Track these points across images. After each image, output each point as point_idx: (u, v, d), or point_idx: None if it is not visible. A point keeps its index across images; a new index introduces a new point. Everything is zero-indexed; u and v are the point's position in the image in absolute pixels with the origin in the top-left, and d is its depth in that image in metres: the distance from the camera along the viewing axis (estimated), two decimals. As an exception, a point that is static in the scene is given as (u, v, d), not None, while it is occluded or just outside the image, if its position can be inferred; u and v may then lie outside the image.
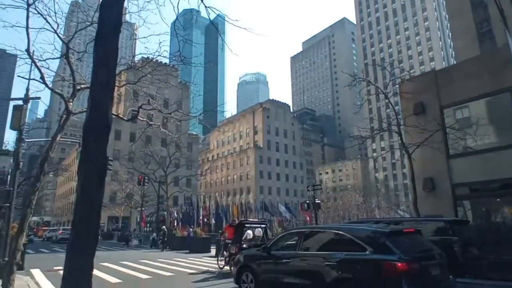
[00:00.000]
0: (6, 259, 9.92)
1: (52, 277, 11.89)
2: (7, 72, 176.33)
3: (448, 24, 73.34)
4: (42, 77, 10.71)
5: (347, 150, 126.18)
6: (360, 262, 6.28)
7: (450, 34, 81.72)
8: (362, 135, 20.27)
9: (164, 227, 29.44)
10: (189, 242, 26.02)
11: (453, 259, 8.13)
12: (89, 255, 4.07)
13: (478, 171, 12.77)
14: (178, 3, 7.34)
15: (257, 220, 22.18)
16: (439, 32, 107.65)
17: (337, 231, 7.37)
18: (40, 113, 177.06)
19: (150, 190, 40.19)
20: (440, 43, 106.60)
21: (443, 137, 13.64)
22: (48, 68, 12.27)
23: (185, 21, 10.82)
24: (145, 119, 13.69)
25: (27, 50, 10.37)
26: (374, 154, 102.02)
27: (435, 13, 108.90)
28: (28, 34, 10.20)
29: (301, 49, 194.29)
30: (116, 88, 5.70)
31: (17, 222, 11.34)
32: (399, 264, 5.76)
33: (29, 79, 12.00)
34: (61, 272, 4.24)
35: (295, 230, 9.58)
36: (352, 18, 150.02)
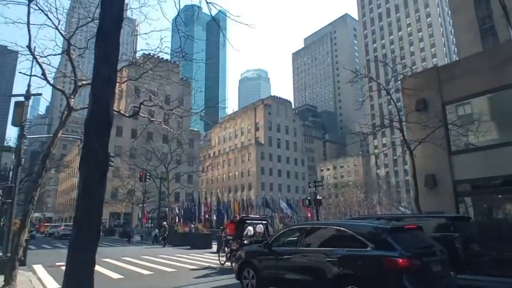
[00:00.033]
0: (9, 254, 9.98)
1: (54, 273, 11.94)
2: (8, 68, 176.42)
3: (451, 20, 73.02)
4: (43, 74, 10.70)
5: (349, 147, 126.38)
6: (362, 258, 6.28)
7: (452, 30, 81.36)
8: (363, 131, 20.21)
9: (164, 223, 29.51)
10: (191, 238, 26.09)
11: (455, 256, 8.13)
12: (91, 251, 4.09)
13: (480, 167, 12.75)
14: (180, -1, 7.29)
15: (258, 216, 22.23)
16: (441, 28, 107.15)
17: (338, 227, 7.37)
18: (42, 110, 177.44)
19: (152, 186, 40.28)
20: (443, 39, 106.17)
21: (445, 134, 13.61)
22: (49, 65, 12.28)
23: (187, 17, 10.79)
24: (146, 116, 13.70)
25: (28, 46, 10.36)
26: (376, 151, 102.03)
27: (438, 9, 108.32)
28: (29, 30, 10.19)
29: (302, 45, 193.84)
30: (117, 84, 5.70)
31: (19, 218, 11.38)
32: (401, 260, 5.77)
33: (31, 76, 12.00)
34: (63, 268, 4.25)
35: (296, 226, 9.60)
36: (354, 14, 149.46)
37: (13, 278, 8.87)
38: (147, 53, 13.36)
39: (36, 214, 70.01)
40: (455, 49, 73.11)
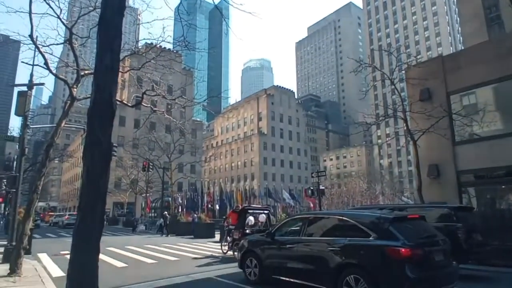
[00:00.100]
0: (14, 243, 10.09)
1: (59, 261, 12.08)
2: (11, 58, 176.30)
3: (456, 9, 72.04)
4: (46, 63, 10.67)
5: (352, 137, 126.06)
6: (364, 247, 6.30)
7: (458, 19, 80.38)
8: (367, 121, 20.14)
9: (166, 212, 29.79)
10: (194, 227, 26.28)
11: (457, 246, 8.16)
12: (95, 239, 4.11)
13: (483, 158, 12.70)
14: (182, -14, 7.22)
15: (260, 206, 22.30)
16: (447, 17, 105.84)
17: (341, 217, 7.38)
18: (45, 99, 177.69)
19: (155, 176, 40.45)
20: (448, 28, 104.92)
21: (449, 124, 13.54)
22: (51, 54, 12.27)
23: (189, 6, 10.68)
24: (149, 105, 13.67)
25: (31, 36, 10.33)
26: (379, 141, 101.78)
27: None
28: (31, 19, 10.15)
29: (306, 35, 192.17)
30: (120, 74, 5.67)
31: (24, 207, 11.48)
32: (403, 250, 5.77)
33: (33, 65, 12.00)
34: (68, 256, 4.29)
35: (299, 216, 9.62)
36: (359, 2, 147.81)
37: (18, 266, 8.98)
38: (149, 42, 13.30)
39: (41, 204, 70.62)
40: (461, 38, 72.36)
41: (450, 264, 6.53)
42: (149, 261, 12.85)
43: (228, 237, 15.46)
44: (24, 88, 11.92)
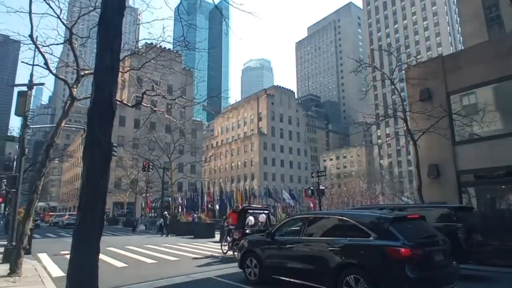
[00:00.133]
0: (14, 243, 10.08)
1: (59, 261, 12.08)
2: (11, 58, 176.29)
3: (456, 9, 72.03)
4: (46, 63, 10.67)
5: (352, 137, 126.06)
6: (364, 247, 6.30)
7: (458, 19, 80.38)
8: (367, 121, 20.14)
9: (165, 212, 29.85)
10: (194, 227, 26.28)
11: (457, 246, 8.16)
12: (95, 239, 4.11)
13: (483, 158, 12.70)
14: (182, -14, 7.22)
15: (260, 206, 22.30)
16: (447, 17, 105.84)
17: (341, 217, 7.38)
18: (45, 99, 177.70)
19: (155, 176, 40.45)
20: (448, 28, 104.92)
21: (449, 124, 13.54)
22: (51, 54, 12.27)
23: (189, 6, 10.69)
24: (149, 105, 13.67)
25: (31, 36, 10.32)
26: (379, 141, 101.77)
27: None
28: (31, 19, 10.15)
29: (306, 35, 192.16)
30: (120, 74, 5.67)
31: (24, 207, 11.48)
32: (403, 250, 5.77)
33: (33, 65, 11.99)
34: (68, 256, 4.29)
35: (299, 216, 9.62)
36: (359, 2, 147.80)
37: (18, 266, 8.98)
38: (149, 42, 13.30)
39: (41, 204, 70.62)
40: (461, 38, 72.36)
41: (450, 264, 6.53)
42: (149, 261, 12.85)
43: (228, 237, 15.46)
44: (24, 88, 11.92)
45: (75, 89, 10.81)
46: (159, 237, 26.03)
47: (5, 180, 14.70)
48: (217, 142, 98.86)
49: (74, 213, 37.77)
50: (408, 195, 71.71)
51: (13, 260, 9.05)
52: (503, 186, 13.06)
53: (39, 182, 10.10)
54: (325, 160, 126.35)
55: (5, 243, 12.09)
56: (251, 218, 14.89)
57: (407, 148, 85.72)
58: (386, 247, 5.97)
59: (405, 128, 15.07)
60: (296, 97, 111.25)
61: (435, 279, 6.06)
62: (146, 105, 13.07)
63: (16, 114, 11.69)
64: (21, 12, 10.48)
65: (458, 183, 13.47)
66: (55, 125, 11.44)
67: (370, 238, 6.27)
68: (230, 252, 14.44)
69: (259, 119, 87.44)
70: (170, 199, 39.11)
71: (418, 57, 27.61)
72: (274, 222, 17.25)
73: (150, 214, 45.02)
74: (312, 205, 36.74)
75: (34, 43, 10.50)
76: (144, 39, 13.59)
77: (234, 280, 8.97)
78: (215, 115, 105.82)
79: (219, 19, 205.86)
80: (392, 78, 16.11)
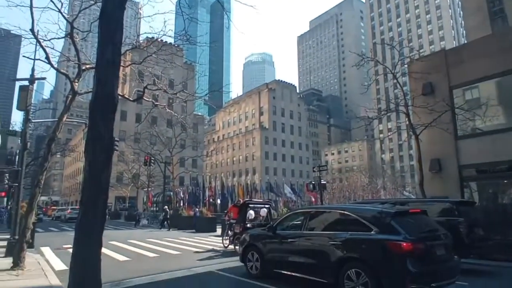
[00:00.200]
0: (17, 237, 10.13)
1: (62, 255, 12.14)
2: (12, 52, 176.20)
3: (459, 2, 71.45)
4: (47, 57, 10.64)
5: (354, 131, 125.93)
6: (365, 241, 6.30)
7: (461, 12, 79.75)
8: (369, 116, 20.08)
9: (166, 207, 30.00)
10: (195, 222, 26.36)
11: (459, 240, 8.15)
12: (97, 233, 4.13)
13: (486, 152, 12.66)
14: (183, -20, 7.17)
15: (261, 200, 22.34)
16: (450, 10, 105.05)
17: (342, 211, 7.38)
18: (46, 94, 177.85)
19: (156, 170, 40.51)
20: (451, 21, 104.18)
21: (451, 118, 13.49)
22: (53, 48, 12.21)
23: (190, -1, 10.62)
24: (150, 100, 13.65)
25: (32, 30, 10.27)
26: (381, 135, 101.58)
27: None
28: (32, 13, 10.09)
29: (308, 28, 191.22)
30: (121, 68, 5.65)
31: (26, 201, 11.52)
32: (404, 244, 5.77)
33: (34, 59, 11.96)
34: (70, 250, 4.31)
35: (300, 210, 9.63)
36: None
37: (21, 259, 9.03)
38: (150, 36, 13.24)
39: (43, 198, 70.95)
40: (464, 31, 71.87)
41: (451, 258, 6.53)
42: (151, 255, 12.91)
43: (229, 231, 15.51)
44: (26, 83, 11.89)
45: (76, 84, 10.79)
46: (161, 231, 26.15)
47: (7, 175, 14.72)
48: (218, 137, 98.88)
49: (76, 207, 37.91)
50: (410, 190, 71.77)
51: (16, 254, 9.10)
52: (505, 181, 13.04)
53: (41, 177, 10.13)
54: (326, 155, 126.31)
55: (8, 237, 12.15)
56: (251, 212, 14.92)
57: (409, 143, 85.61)
58: (387, 241, 5.97)
59: (407, 122, 15.01)
60: (297, 91, 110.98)
61: (437, 273, 6.06)
62: (147, 99, 13.06)
63: (18, 108, 11.68)
64: (22, 6, 10.44)
65: (460, 177, 13.45)
66: (56, 119, 11.44)
67: (372, 232, 6.28)
68: (232, 246, 14.49)
69: (261, 113, 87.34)
70: (171, 193, 39.23)
71: (420, 51, 27.44)
72: (275, 216, 17.28)
73: (152, 209, 45.18)
74: (313, 199, 36.80)
75: (35, 37, 10.46)
76: (145, 33, 13.51)
77: (236, 274, 9.01)
78: (216, 109, 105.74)
79: (220, 12, 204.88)
80: (395, 72, 16.04)
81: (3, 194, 28.06)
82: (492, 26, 17.84)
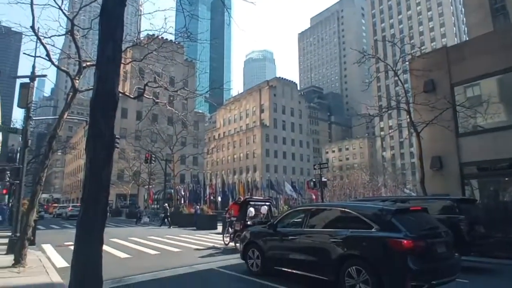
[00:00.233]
0: (18, 234, 10.16)
1: (63, 252, 12.18)
2: (12, 50, 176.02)
3: (461, -1, 71.15)
4: (47, 54, 10.62)
5: (354, 129, 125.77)
6: (366, 239, 6.30)
7: (462, 9, 79.43)
8: (370, 113, 20.03)
9: (166, 204, 30.08)
10: (196, 219, 26.41)
11: (460, 238, 8.16)
12: (98, 231, 4.12)
13: (487, 150, 12.64)
14: (184, -24, 7.14)
15: (261, 198, 22.38)
16: (451, 7, 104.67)
17: (343, 209, 7.37)
18: (47, 91, 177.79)
19: (157, 168, 40.55)
20: (453, 18, 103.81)
21: (452, 115, 13.46)
22: (53, 46, 12.18)
23: (191, -4, 10.58)
24: (151, 97, 13.64)
25: (32, 27, 10.26)
26: (382, 133, 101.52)
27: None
28: (32, 10, 10.07)
29: (309, 25, 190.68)
30: (122, 65, 5.63)
31: (28, 199, 11.54)
32: (405, 242, 5.77)
33: (35, 57, 11.94)
34: (72, 247, 4.31)
35: (301, 208, 9.64)
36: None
37: (22, 257, 9.05)
38: (151, 33, 13.21)
39: (44, 195, 71.13)
40: (465, 28, 71.59)
41: (452, 256, 6.53)
42: (152, 252, 12.94)
43: (230, 229, 15.54)
44: (26, 80, 11.88)
45: (77, 81, 10.78)
46: (162, 228, 26.20)
47: (8, 172, 14.72)
48: (219, 134, 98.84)
49: (78, 204, 38.04)
50: (411, 187, 71.68)
51: (18, 251, 9.12)
52: (506, 178, 13.01)
53: (42, 174, 10.14)
54: (327, 152, 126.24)
55: (10, 234, 12.18)
56: (252, 209, 14.94)
57: (410, 140, 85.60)
58: (388, 239, 5.97)
59: (408, 120, 14.99)
60: (298, 88, 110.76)
61: (437, 270, 6.06)
62: (148, 96, 13.04)
63: (19, 106, 11.67)
64: (23, 3, 10.42)
65: (461, 175, 13.43)
66: (57, 117, 11.44)
67: (372, 230, 6.27)
68: (232, 244, 14.53)
69: (261, 111, 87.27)
70: (172, 191, 39.29)
71: (422, 48, 27.38)
72: (276, 214, 17.30)
73: (153, 206, 45.25)
74: (314, 197, 36.83)
75: (36, 34, 10.44)
76: (145, 30, 13.54)
77: (237, 271, 9.02)
78: (217, 107, 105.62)
79: (221, 9, 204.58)
80: (396, 69, 15.98)
81: (4, 191, 28.17)
82: (494, 23, 17.76)
